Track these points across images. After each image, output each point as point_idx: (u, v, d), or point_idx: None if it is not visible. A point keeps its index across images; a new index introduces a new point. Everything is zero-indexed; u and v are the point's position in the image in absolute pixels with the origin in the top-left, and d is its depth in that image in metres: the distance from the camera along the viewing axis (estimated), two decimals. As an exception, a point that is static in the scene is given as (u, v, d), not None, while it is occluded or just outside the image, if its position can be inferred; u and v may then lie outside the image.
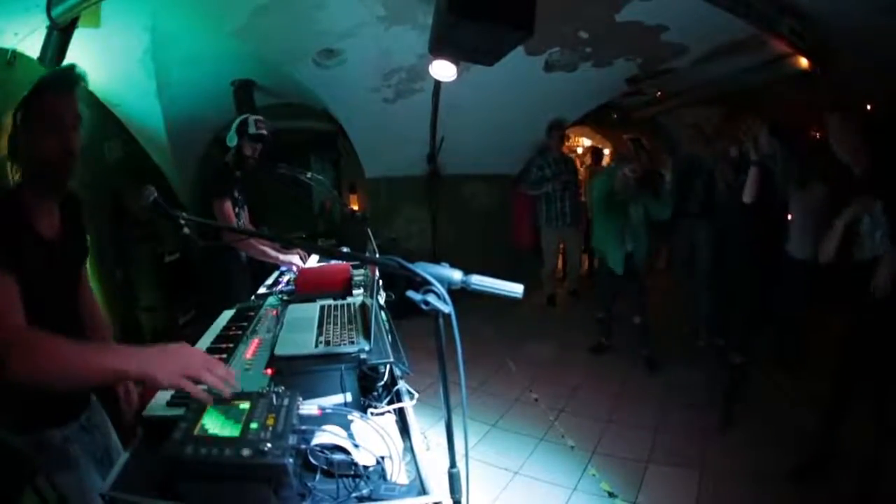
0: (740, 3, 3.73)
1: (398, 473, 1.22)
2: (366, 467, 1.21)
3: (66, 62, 3.42)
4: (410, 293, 1.06)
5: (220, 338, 2.04)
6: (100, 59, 4.18)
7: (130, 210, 4.96)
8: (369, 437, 1.26)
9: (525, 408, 4.04)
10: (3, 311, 1.26)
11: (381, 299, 2.39)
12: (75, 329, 1.61)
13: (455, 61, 3.78)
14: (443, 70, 3.89)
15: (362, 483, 1.18)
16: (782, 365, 4.28)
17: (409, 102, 5.74)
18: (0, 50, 3.49)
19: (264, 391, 1.27)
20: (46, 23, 3.18)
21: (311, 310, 2.03)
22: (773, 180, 3.62)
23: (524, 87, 5.48)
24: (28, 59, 3.62)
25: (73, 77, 1.50)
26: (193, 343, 1.84)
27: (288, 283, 2.95)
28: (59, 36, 3.24)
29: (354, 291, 2.40)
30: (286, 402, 1.20)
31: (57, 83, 1.50)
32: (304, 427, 1.19)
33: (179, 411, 1.34)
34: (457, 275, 1.09)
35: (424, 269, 1.07)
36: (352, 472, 1.20)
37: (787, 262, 4.05)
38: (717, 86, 6.02)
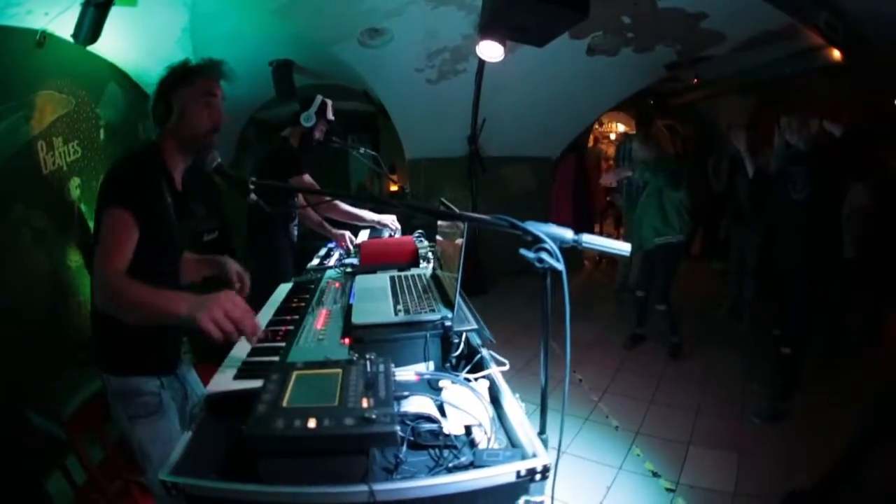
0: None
1: (490, 441, 1.10)
2: (455, 437, 1.10)
3: (101, 40, 3.38)
4: (523, 251, 1.01)
5: (281, 310, 1.95)
6: (136, 38, 4.05)
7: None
8: (462, 404, 1.15)
9: (571, 388, 3.93)
10: (116, 255, 1.46)
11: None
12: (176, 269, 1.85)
13: (503, 42, 3.63)
14: (490, 50, 3.72)
15: (451, 453, 1.07)
16: (832, 363, 4.17)
17: (451, 83, 5.59)
18: (29, 30, 3.37)
19: (353, 358, 1.15)
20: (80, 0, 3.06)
21: (381, 280, 1.96)
22: (826, 174, 3.40)
23: (566, 70, 5.32)
24: (58, 39, 3.52)
25: (224, 67, 1.76)
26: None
27: (340, 258, 2.86)
28: (95, 12, 3.13)
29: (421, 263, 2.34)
30: (382, 367, 1.08)
31: (212, 69, 1.73)
32: (406, 394, 1.06)
33: (248, 384, 1.27)
34: (568, 233, 1.05)
35: (537, 228, 1.03)
36: (441, 443, 1.09)
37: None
38: (751, 75, 5.89)
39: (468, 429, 1.13)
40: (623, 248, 1.09)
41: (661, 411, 3.61)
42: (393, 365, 1.13)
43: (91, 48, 3.62)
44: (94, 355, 1.72)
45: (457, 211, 1.26)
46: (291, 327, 1.70)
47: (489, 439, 1.10)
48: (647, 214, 4.36)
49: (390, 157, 7.24)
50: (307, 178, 3.12)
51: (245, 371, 1.39)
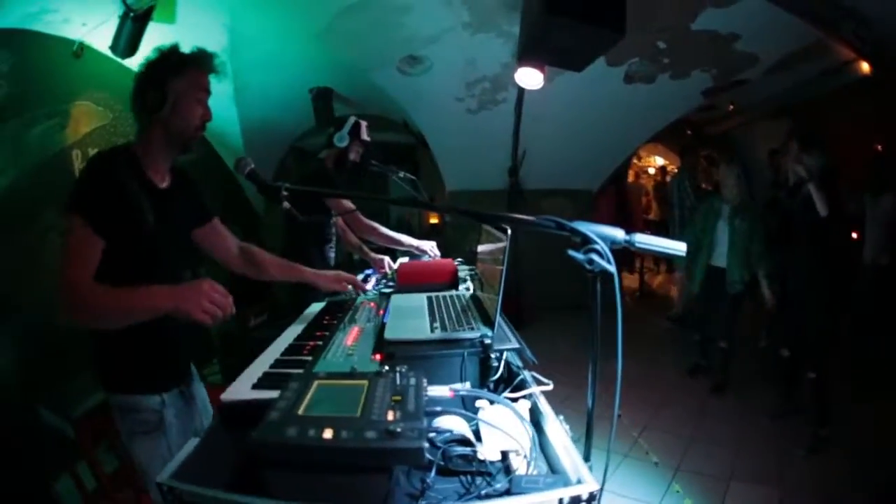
0: (804, 5, 3.67)
1: (528, 468, 0.98)
2: (489, 463, 0.98)
3: (140, 57, 3.40)
4: (571, 252, 0.93)
5: (311, 326, 1.88)
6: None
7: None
8: (501, 426, 1.02)
9: (608, 424, 3.70)
10: (83, 271, 1.42)
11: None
12: (191, 267, 1.85)
13: (542, 68, 3.58)
14: (529, 78, 3.67)
15: (484, 480, 0.95)
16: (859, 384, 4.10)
17: (491, 113, 5.52)
18: (66, 40, 3.43)
19: (382, 371, 1.04)
20: (119, 11, 3.09)
21: (418, 300, 1.87)
22: (838, 192, 3.35)
23: (604, 99, 5.23)
24: (95, 51, 3.57)
25: (216, 60, 1.69)
26: (280, 333, 1.82)
27: (377, 283, 2.77)
28: (133, 26, 3.15)
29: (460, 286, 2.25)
30: (413, 381, 0.97)
31: (208, 61, 1.67)
32: (439, 409, 0.95)
33: (266, 394, 1.18)
34: (619, 233, 0.96)
35: (587, 228, 0.94)
36: (473, 469, 0.97)
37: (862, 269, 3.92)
38: (783, 98, 5.84)
39: (504, 454, 1.01)
40: (678, 247, 0.98)
41: (702, 447, 3.47)
42: (426, 380, 1.02)
43: (129, 64, 3.65)
44: (95, 371, 1.68)
45: (500, 214, 1.16)
46: (320, 342, 1.62)
47: (529, 465, 0.98)
48: (737, 256, 4.13)
49: (431, 189, 7.06)
50: (345, 201, 3.07)
51: (264, 381, 1.33)
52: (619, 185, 7.53)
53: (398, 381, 0.97)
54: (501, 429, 1.01)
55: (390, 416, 0.83)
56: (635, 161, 9.22)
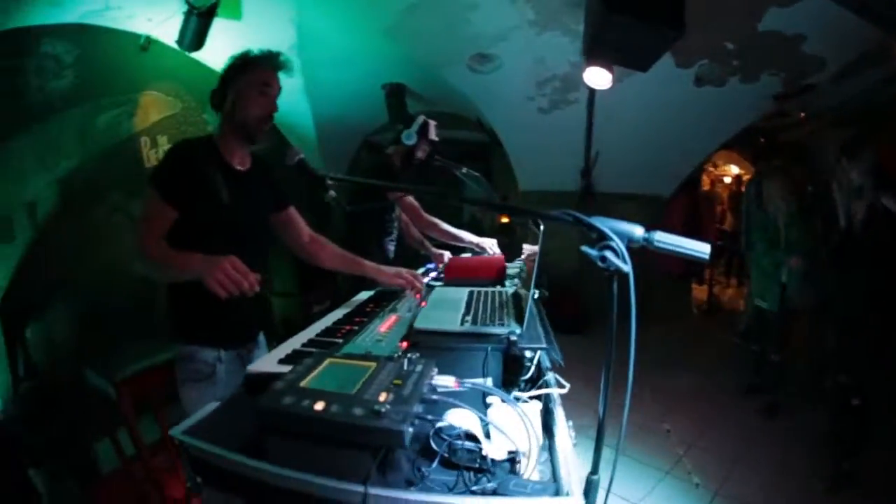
0: (866, 4, 3.28)
1: (531, 471, 0.95)
2: (494, 461, 0.96)
3: (209, 51, 3.52)
4: (585, 248, 0.88)
5: (354, 313, 1.92)
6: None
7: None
8: (507, 426, 0.99)
9: (656, 438, 3.63)
10: (151, 231, 1.70)
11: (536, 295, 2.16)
12: (263, 247, 2.00)
13: (609, 67, 3.49)
14: (597, 77, 3.59)
15: (485, 477, 0.93)
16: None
17: (563, 113, 5.40)
18: (133, 34, 3.61)
19: (395, 356, 1.05)
20: (183, 8, 3.19)
21: (459, 293, 1.85)
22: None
23: (675, 101, 5.03)
24: (161, 44, 3.73)
25: (281, 59, 1.85)
26: (323, 315, 1.91)
27: (435, 278, 2.78)
28: (198, 21, 3.23)
29: (507, 283, 2.22)
30: (419, 368, 0.97)
31: (268, 60, 1.83)
32: (435, 397, 0.93)
33: (289, 368, 1.21)
34: (638, 230, 0.91)
35: (603, 223, 0.89)
36: (476, 465, 0.95)
37: None
38: (853, 104, 5.45)
39: (513, 455, 0.98)
40: (702, 250, 0.92)
41: (744, 471, 3.27)
42: (436, 370, 1.02)
43: (198, 58, 3.81)
44: (169, 323, 1.89)
45: (518, 206, 1.13)
46: (356, 327, 1.66)
47: (531, 469, 0.95)
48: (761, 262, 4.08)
49: (504, 188, 7.06)
50: (410, 198, 3.10)
51: (291, 357, 1.38)
52: (691, 193, 7.17)
53: (405, 367, 0.97)
54: (500, 428, 0.97)
55: (382, 397, 0.84)
56: (711, 169, 8.77)
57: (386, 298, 2.10)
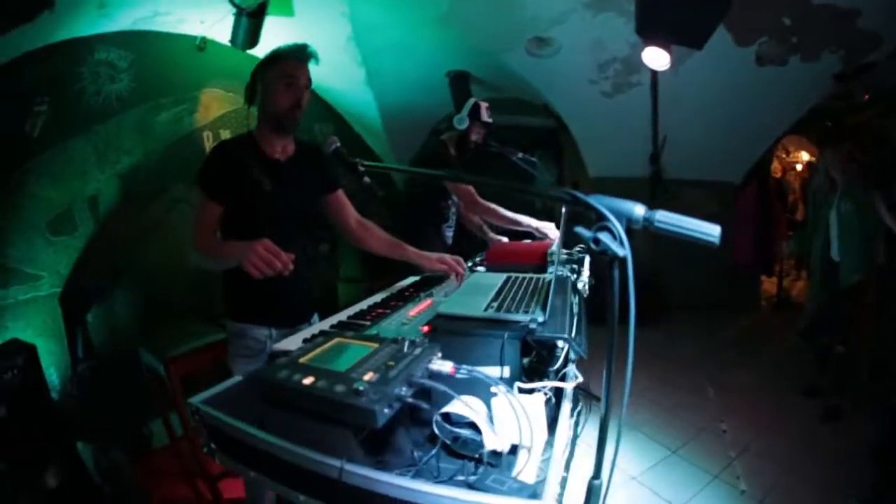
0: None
1: (528, 469, 0.90)
2: (494, 454, 0.93)
3: (266, 47, 3.60)
4: (579, 229, 0.80)
5: (392, 297, 1.94)
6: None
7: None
8: (504, 418, 0.96)
9: (710, 438, 3.46)
10: (201, 227, 1.85)
11: (583, 282, 2.09)
12: (309, 229, 2.10)
13: (666, 46, 3.35)
14: (656, 58, 3.45)
15: (476, 468, 0.91)
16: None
17: (628, 97, 5.21)
18: (189, 37, 3.76)
19: (400, 338, 1.04)
20: (232, 10, 3.26)
21: (495, 278, 1.82)
22: None
23: (739, 84, 4.78)
24: (217, 44, 3.86)
25: (307, 51, 1.90)
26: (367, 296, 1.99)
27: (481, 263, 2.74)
28: (249, 20, 3.30)
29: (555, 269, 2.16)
30: (417, 351, 0.97)
31: (295, 53, 1.89)
32: (426, 382, 0.91)
33: None
34: (639, 209, 0.82)
35: (600, 202, 0.81)
36: (476, 455, 0.93)
37: None
38: None
39: (515, 448, 0.95)
40: (711, 232, 0.81)
41: (793, 481, 3.00)
42: (439, 354, 1.00)
43: (256, 54, 3.93)
44: (224, 304, 2.01)
45: (510, 183, 1.07)
46: (388, 311, 1.67)
47: (531, 465, 0.91)
48: (847, 244, 3.76)
49: (574, 174, 6.83)
50: (466, 186, 3.05)
51: (316, 337, 1.40)
52: (762, 181, 6.73)
53: (403, 350, 0.97)
54: (496, 419, 0.95)
55: (368, 376, 0.84)
56: (783, 156, 8.21)
57: (430, 284, 2.11)
